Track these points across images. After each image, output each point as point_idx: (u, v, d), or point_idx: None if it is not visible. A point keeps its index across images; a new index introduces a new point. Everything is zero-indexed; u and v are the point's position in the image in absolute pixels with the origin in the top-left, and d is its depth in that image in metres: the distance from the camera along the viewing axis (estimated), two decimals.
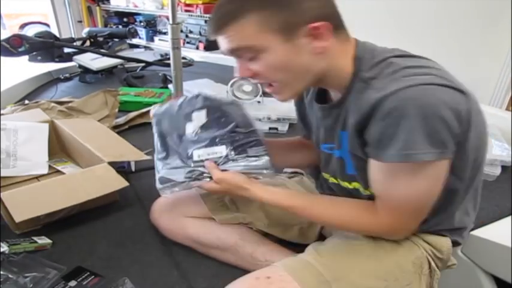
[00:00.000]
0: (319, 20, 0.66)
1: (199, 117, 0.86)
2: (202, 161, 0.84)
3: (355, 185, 0.80)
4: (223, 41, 0.70)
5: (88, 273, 0.94)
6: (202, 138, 0.85)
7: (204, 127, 0.86)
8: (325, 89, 0.82)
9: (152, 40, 3.73)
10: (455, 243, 0.82)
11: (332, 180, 0.88)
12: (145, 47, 3.76)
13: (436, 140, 0.60)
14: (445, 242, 0.81)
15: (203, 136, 0.85)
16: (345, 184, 0.83)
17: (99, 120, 1.73)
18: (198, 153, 0.84)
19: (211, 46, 3.39)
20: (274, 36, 0.66)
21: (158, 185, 0.88)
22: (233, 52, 0.71)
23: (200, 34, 3.34)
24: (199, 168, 0.84)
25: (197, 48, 3.58)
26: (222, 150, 0.83)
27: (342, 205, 0.78)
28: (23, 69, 2.43)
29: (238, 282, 0.72)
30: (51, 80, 2.59)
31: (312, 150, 0.96)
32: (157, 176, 0.89)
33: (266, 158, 0.84)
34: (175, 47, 1.73)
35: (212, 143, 0.84)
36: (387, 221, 0.72)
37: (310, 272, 0.72)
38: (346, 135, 0.75)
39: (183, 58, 2.49)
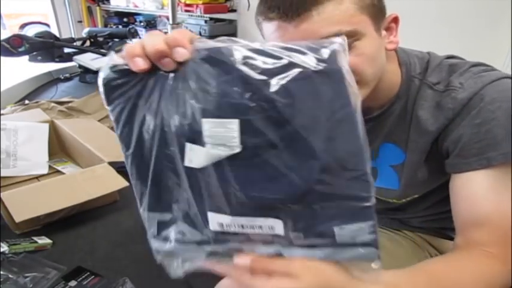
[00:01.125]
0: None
1: (221, 135, 0.36)
2: (234, 234, 0.42)
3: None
4: (313, 25, 0.49)
5: (88, 273, 0.94)
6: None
7: (237, 160, 0.36)
8: None
9: None
10: None
11: None
12: None
13: None
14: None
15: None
16: None
17: (99, 120, 1.73)
18: (220, 221, 0.41)
19: None
20: (369, 20, 0.53)
21: (158, 256, 0.49)
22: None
23: (200, 34, 3.33)
24: (230, 245, 0.44)
25: None
26: (275, 225, 0.40)
27: (455, 268, 0.52)
28: (23, 69, 2.43)
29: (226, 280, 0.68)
30: (51, 80, 2.59)
31: None
32: (155, 243, 0.48)
33: (371, 248, 0.39)
34: None
35: (256, 208, 0.39)
36: (504, 255, 0.51)
37: None
38: (391, 147, 0.66)
39: None
